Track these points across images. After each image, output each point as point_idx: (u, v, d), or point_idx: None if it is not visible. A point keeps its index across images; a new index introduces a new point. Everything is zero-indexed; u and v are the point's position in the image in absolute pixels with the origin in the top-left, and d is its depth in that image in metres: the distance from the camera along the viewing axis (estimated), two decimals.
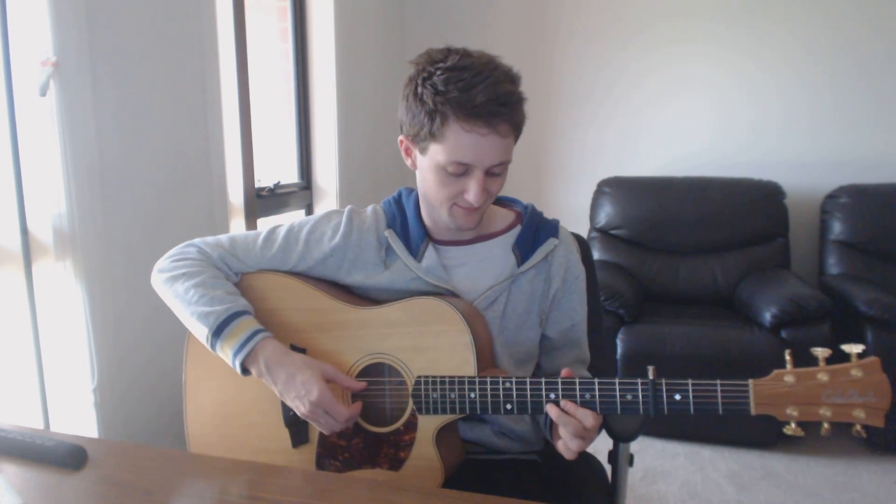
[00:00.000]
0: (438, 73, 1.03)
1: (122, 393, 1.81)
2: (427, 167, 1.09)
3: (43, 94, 1.56)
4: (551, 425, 1.08)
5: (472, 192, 1.05)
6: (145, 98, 1.93)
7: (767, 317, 2.63)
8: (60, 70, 1.58)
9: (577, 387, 0.96)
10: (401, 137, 1.13)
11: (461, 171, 1.05)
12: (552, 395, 0.97)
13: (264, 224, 2.60)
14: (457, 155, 1.03)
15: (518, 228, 1.20)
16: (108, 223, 1.78)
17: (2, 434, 0.99)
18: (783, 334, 2.60)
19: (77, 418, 1.71)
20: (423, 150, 1.08)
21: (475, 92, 1.00)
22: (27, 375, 1.69)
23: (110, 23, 1.78)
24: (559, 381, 0.97)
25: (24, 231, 1.63)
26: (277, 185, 2.79)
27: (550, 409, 0.97)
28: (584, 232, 3.33)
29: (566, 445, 0.98)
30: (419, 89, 1.04)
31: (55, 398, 1.71)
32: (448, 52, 1.06)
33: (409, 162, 1.15)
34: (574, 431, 0.95)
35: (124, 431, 1.81)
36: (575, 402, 0.96)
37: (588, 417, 0.95)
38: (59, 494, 0.90)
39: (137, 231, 1.91)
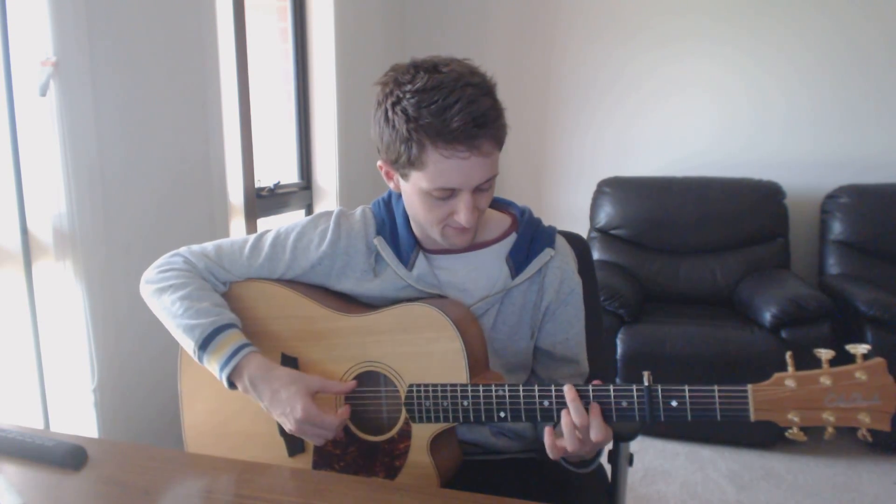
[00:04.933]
0: (408, 96, 0.97)
1: (122, 393, 1.81)
2: (411, 192, 1.06)
3: (43, 94, 1.56)
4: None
5: (462, 214, 1.02)
6: (145, 98, 1.93)
7: (767, 317, 2.63)
8: (60, 70, 1.58)
9: None
10: (379, 162, 1.09)
11: (447, 194, 1.02)
12: (546, 403, 0.95)
13: (264, 225, 2.61)
14: (440, 181, 1.00)
15: (513, 237, 1.16)
16: (108, 223, 1.78)
17: (2, 434, 0.99)
18: (783, 334, 2.60)
19: (77, 418, 1.71)
20: (404, 177, 1.05)
21: (450, 115, 0.94)
22: (27, 375, 1.69)
23: (110, 23, 1.78)
24: (552, 388, 0.95)
25: (24, 231, 1.64)
26: (277, 185, 2.79)
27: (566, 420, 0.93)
28: (584, 232, 3.33)
29: (559, 445, 0.94)
30: (389, 115, 1.00)
31: (55, 398, 1.71)
32: (415, 69, 1.00)
33: (391, 185, 1.12)
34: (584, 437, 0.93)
35: (124, 431, 1.81)
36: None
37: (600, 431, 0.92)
38: (59, 494, 0.90)
39: (137, 231, 1.91)
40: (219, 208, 2.24)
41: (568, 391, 0.93)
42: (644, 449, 2.65)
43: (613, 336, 2.70)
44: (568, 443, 0.93)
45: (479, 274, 1.14)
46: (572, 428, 0.93)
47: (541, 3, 3.59)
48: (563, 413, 0.94)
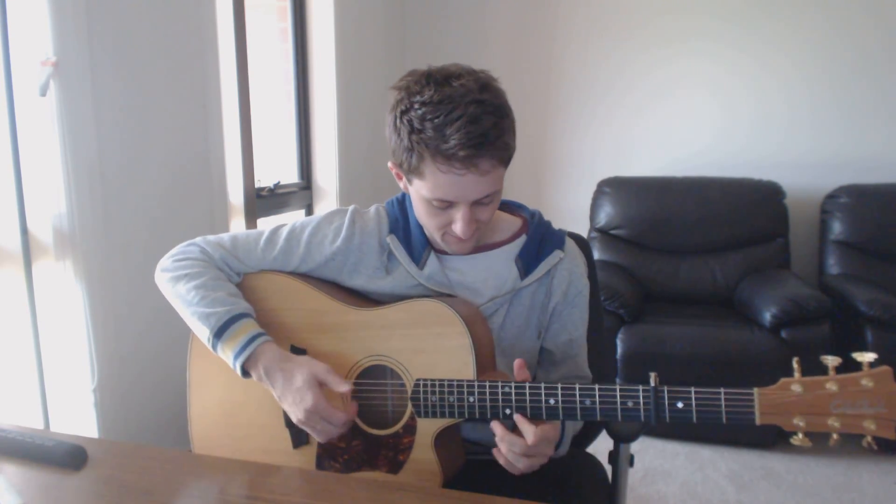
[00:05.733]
0: (416, 107, 0.99)
1: (123, 393, 1.81)
2: (415, 197, 1.09)
3: (43, 94, 1.56)
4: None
5: (458, 226, 1.05)
6: (145, 98, 1.93)
7: (767, 317, 2.62)
8: (60, 70, 1.58)
9: (577, 393, 0.95)
10: (390, 163, 1.11)
11: (446, 205, 1.04)
12: (552, 401, 0.95)
13: (264, 224, 2.61)
14: (437, 192, 1.02)
15: (523, 239, 1.18)
16: (108, 223, 1.78)
17: (2, 434, 0.99)
18: (783, 334, 2.60)
19: (77, 418, 1.71)
20: (409, 181, 1.08)
21: (448, 133, 0.96)
22: (27, 375, 1.69)
23: (110, 23, 1.78)
24: (559, 386, 0.96)
25: (24, 231, 1.63)
26: (277, 185, 2.79)
27: (496, 427, 0.96)
28: (584, 232, 3.33)
29: (511, 464, 0.96)
30: (397, 122, 1.02)
31: (55, 398, 1.71)
32: (427, 79, 1.01)
33: (401, 185, 1.14)
34: (520, 450, 0.94)
35: (124, 431, 1.81)
36: (526, 414, 0.95)
37: (530, 434, 0.93)
38: (59, 494, 0.90)
39: (137, 231, 1.91)
40: (219, 208, 2.24)
41: (495, 426, 0.96)
42: (644, 449, 2.65)
43: (613, 336, 2.70)
44: (519, 463, 0.96)
45: (489, 274, 1.16)
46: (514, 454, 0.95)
47: (541, 3, 3.59)
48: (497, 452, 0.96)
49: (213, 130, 2.19)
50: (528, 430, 0.93)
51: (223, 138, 2.25)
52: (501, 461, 0.97)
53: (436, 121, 0.97)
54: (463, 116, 0.96)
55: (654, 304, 3.06)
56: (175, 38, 2.03)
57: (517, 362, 0.98)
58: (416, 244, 1.16)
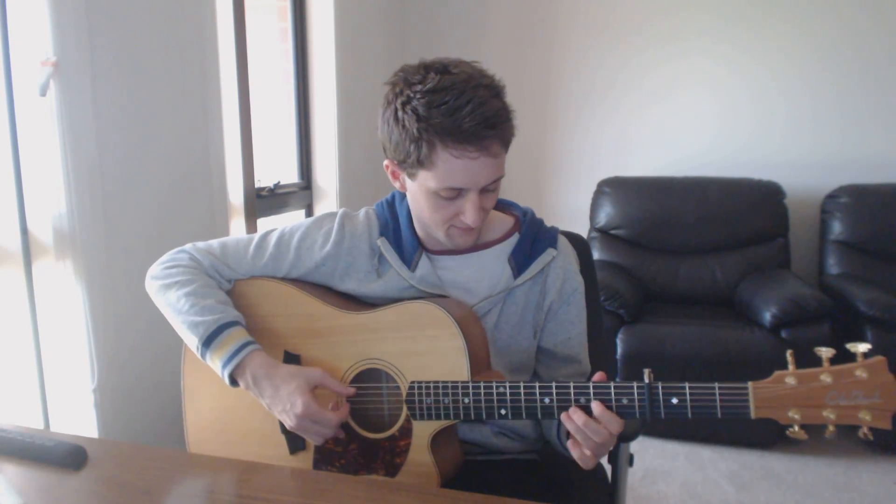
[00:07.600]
0: (418, 96, 0.98)
1: (123, 393, 1.81)
2: (418, 192, 1.07)
3: (43, 94, 1.56)
4: (559, 426, 1.07)
5: (468, 214, 1.04)
6: (145, 98, 1.92)
7: (767, 317, 2.63)
8: (60, 70, 1.58)
9: (572, 391, 0.94)
10: (386, 162, 1.10)
11: (454, 194, 1.03)
12: (546, 400, 0.95)
13: (264, 224, 2.61)
14: (448, 181, 1.01)
15: (515, 237, 1.17)
16: (109, 223, 1.78)
17: (2, 434, 0.99)
18: (783, 334, 2.60)
19: (77, 418, 1.70)
20: (411, 176, 1.06)
21: (461, 116, 0.96)
22: (27, 375, 1.69)
23: (110, 23, 1.78)
24: (553, 385, 0.95)
25: (24, 231, 1.63)
26: (277, 185, 2.79)
27: (577, 416, 0.92)
28: (584, 232, 3.33)
29: (585, 455, 0.94)
30: (399, 114, 1.01)
31: (55, 398, 1.71)
32: (425, 70, 1.01)
33: (397, 184, 1.13)
34: (603, 440, 0.92)
35: (124, 432, 1.81)
36: (610, 406, 0.92)
37: (614, 423, 0.91)
38: (59, 494, 0.90)
39: (137, 231, 1.91)
40: (219, 208, 2.24)
41: (577, 413, 0.93)
42: (644, 449, 2.65)
43: (613, 336, 2.70)
44: (588, 448, 0.93)
45: (482, 274, 1.15)
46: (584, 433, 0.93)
47: (540, 3, 3.59)
48: (566, 418, 0.94)
49: (213, 130, 2.19)
50: (612, 418, 0.92)
51: (223, 138, 2.24)
52: (576, 454, 0.95)
53: (443, 107, 0.97)
54: (473, 100, 0.96)
55: (653, 304, 3.06)
56: (175, 38, 2.03)
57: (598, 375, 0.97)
58: (407, 246, 1.15)
